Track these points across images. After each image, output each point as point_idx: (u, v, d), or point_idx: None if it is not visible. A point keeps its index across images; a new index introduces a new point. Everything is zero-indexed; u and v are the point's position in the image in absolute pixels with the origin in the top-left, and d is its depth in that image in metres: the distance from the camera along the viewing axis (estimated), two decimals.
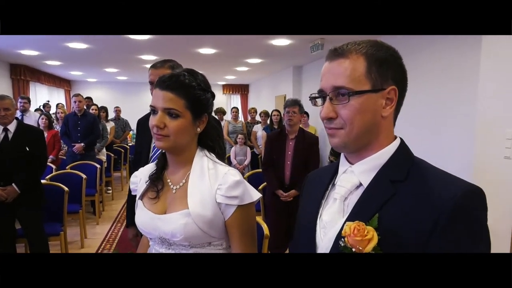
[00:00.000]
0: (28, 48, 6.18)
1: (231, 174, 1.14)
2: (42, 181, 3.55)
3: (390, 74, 0.78)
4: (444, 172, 0.77)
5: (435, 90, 3.61)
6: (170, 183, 1.19)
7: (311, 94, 0.84)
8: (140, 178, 1.27)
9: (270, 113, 6.21)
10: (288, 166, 3.23)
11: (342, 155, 0.87)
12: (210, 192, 1.13)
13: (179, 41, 5.44)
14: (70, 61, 7.57)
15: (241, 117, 11.39)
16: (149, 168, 1.27)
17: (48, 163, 4.70)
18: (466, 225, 0.68)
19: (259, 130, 6.32)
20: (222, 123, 6.85)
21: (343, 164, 0.86)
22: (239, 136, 5.74)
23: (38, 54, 6.70)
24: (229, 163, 5.82)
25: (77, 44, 5.70)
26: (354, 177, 0.81)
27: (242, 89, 12.46)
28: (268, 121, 6.22)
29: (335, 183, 0.86)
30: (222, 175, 1.14)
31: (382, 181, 0.78)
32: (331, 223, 0.81)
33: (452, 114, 3.35)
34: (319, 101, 0.83)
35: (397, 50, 0.81)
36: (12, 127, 2.86)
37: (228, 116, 7.65)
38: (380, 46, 0.79)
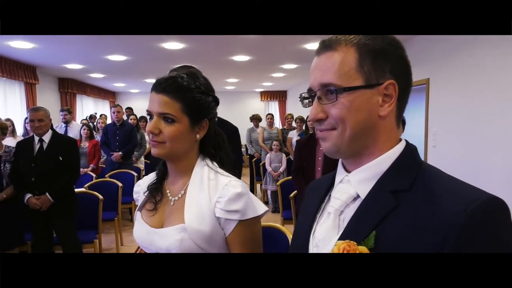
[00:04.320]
0: (72, 62, 6.49)
1: (232, 186, 1.04)
2: (80, 189, 3.67)
3: (387, 67, 0.66)
4: (458, 181, 0.64)
5: (482, 91, 3.32)
6: (169, 194, 1.12)
7: (300, 94, 0.75)
8: (142, 188, 1.21)
9: (305, 119, 6.07)
10: (319, 172, 3.08)
11: (339, 162, 0.76)
12: (209, 205, 1.04)
13: (212, 49, 5.47)
14: (112, 73, 7.87)
15: (279, 124, 11.30)
16: (151, 177, 1.20)
17: (88, 172, 4.89)
18: (481, 245, 0.55)
19: (294, 137, 6.20)
20: (258, 130, 6.80)
21: (339, 173, 0.74)
22: (274, 142, 5.65)
23: (82, 68, 7.02)
24: (264, 170, 5.74)
25: (116, 56, 5.90)
26: (350, 187, 0.70)
27: (280, 96, 12.37)
28: (304, 127, 6.09)
29: (331, 194, 0.75)
30: (223, 186, 1.05)
31: (382, 191, 0.66)
32: (324, 241, 0.70)
33: (500, 116, 3.06)
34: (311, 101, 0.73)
35: (397, 39, 0.69)
36: (47, 137, 2.97)
37: (264, 123, 7.59)
38: (376, 35, 0.67)
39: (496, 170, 3.07)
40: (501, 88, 3.03)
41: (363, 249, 0.60)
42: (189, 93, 1.06)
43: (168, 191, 1.13)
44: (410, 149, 0.70)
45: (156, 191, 1.13)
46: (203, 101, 1.08)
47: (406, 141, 0.71)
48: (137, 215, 1.15)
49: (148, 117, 1.08)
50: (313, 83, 0.70)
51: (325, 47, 0.69)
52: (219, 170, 1.12)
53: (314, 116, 0.69)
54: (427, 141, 4.20)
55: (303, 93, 0.74)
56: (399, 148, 0.69)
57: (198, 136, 1.10)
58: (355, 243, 0.61)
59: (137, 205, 1.21)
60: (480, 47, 3.27)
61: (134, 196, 1.25)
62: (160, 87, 1.05)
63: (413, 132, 4.57)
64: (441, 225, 0.57)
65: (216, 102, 1.15)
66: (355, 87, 0.65)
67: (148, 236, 1.08)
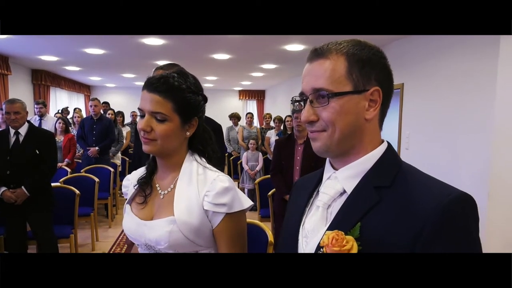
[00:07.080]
0: (47, 54, 6.32)
1: (220, 180, 1.09)
2: (56, 184, 3.61)
3: (373, 75, 0.73)
4: (433, 178, 0.72)
5: (452, 96, 3.50)
6: (158, 188, 1.16)
7: (292, 97, 0.81)
8: (131, 182, 1.25)
9: (284, 119, 6.17)
10: (297, 171, 3.17)
11: (327, 161, 0.82)
12: (197, 198, 1.08)
13: (193, 46, 5.46)
14: (89, 66, 7.71)
15: (257, 123, 11.38)
16: (140, 172, 1.24)
17: (63, 166, 4.80)
18: (451, 235, 0.63)
19: (272, 136, 6.28)
20: (237, 128, 6.86)
21: (327, 170, 0.81)
22: (251, 141, 5.72)
23: (58, 60, 6.84)
24: (241, 168, 5.80)
25: (94, 50, 5.79)
26: (338, 183, 0.77)
27: (258, 95, 12.44)
28: (282, 127, 6.19)
29: (319, 190, 0.82)
30: (211, 181, 1.10)
31: (366, 187, 0.73)
32: (313, 232, 0.77)
33: (469, 119, 3.24)
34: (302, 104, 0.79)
35: (381, 50, 0.76)
36: (23, 130, 2.92)
37: (243, 122, 7.65)
38: (363, 46, 0.74)
39: (464, 171, 3.24)
40: (470, 92, 3.21)
41: (350, 238, 0.67)
42: (180, 93, 1.09)
43: (157, 185, 1.17)
44: (391, 149, 0.77)
45: (145, 185, 1.17)
46: (193, 100, 1.12)
47: (388, 142, 0.78)
48: (127, 208, 1.19)
49: (139, 115, 1.12)
50: (305, 88, 0.75)
51: (317, 55, 0.75)
52: (207, 165, 1.16)
53: (306, 118, 0.75)
54: (400, 143, 4.36)
55: (295, 96, 0.80)
56: (382, 149, 0.77)
57: (188, 133, 1.14)
58: (342, 232, 0.67)
59: (126, 199, 1.24)
60: (452, 54, 3.44)
61: (123, 189, 1.28)
62: (152, 86, 1.08)
63: (387, 135, 4.73)
64: (418, 217, 0.64)
65: (205, 100, 1.20)
66: (345, 92, 0.72)
67: (138, 228, 1.12)
